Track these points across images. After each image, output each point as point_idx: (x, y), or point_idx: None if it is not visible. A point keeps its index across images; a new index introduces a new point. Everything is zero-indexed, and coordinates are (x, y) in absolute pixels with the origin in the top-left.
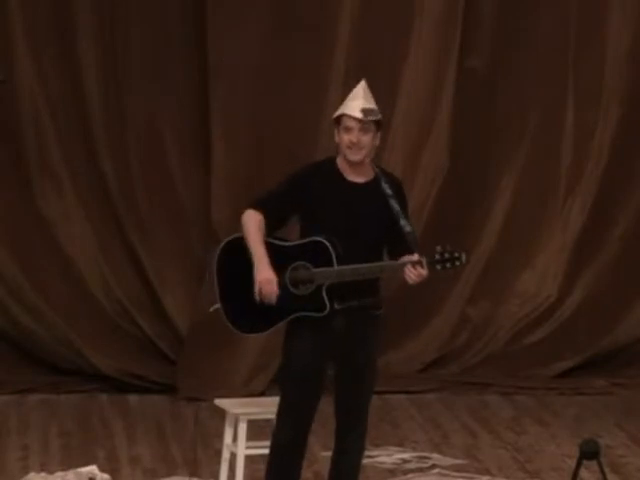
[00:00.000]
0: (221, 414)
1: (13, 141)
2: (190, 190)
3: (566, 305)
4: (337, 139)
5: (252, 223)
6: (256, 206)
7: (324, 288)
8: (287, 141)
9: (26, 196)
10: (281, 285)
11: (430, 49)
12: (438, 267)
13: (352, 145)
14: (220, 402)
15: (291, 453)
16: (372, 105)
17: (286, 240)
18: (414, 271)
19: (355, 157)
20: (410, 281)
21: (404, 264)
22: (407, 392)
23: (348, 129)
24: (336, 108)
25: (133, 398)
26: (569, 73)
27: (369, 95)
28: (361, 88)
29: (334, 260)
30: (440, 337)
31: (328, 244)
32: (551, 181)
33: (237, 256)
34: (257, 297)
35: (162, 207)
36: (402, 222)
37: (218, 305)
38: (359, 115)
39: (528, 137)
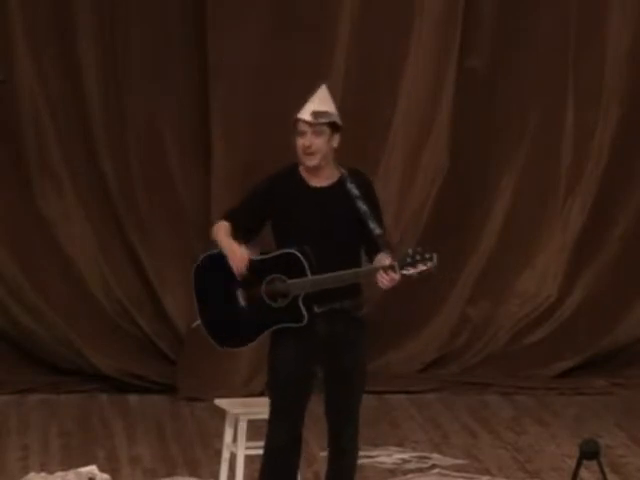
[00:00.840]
0: (221, 414)
1: (13, 141)
2: (190, 190)
3: (566, 305)
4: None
5: (221, 230)
6: (225, 218)
7: (300, 298)
8: (287, 141)
9: (26, 196)
10: (257, 297)
11: (430, 49)
12: (410, 270)
13: (305, 149)
14: (220, 402)
15: (285, 458)
16: (325, 108)
17: (260, 253)
18: (386, 276)
19: (310, 162)
20: (383, 286)
21: (376, 269)
22: (407, 392)
23: (301, 133)
24: (336, 108)
25: (133, 398)
26: (569, 73)
27: (325, 98)
28: (319, 91)
29: (307, 270)
30: (440, 337)
31: (300, 255)
32: (551, 181)
33: (214, 272)
34: (238, 276)
35: (162, 207)
36: (371, 225)
37: (199, 321)
38: (309, 118)
39: (528, 137)
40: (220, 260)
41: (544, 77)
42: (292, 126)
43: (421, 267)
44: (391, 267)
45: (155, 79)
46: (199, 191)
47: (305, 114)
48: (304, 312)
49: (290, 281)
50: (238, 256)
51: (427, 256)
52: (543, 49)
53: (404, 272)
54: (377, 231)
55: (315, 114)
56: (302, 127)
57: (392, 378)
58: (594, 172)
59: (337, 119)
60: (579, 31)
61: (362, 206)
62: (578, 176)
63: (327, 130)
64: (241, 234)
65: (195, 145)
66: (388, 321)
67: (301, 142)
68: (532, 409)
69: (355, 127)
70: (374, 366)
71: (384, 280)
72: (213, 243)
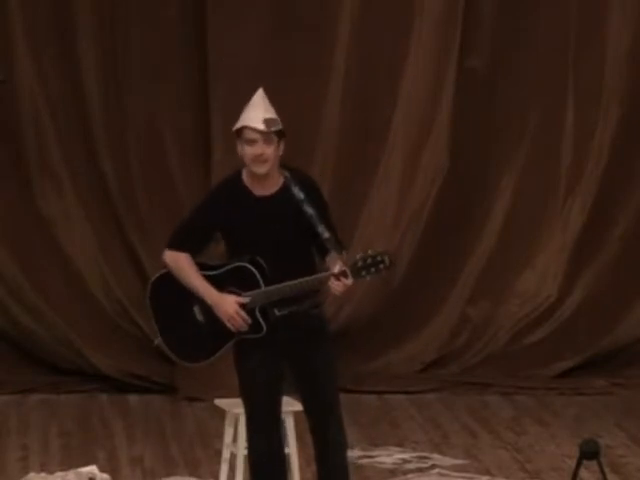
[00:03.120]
0: (221, 414)
1: (13, 141)
2: (190, 190)
3: (566, 305)
4: (240, 152)
5: (183, 264)
6: (176, 247)
7: (257, 309)
8: (286, 141)
9: (26, 196)
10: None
11: (430, 49)
12: (363, 273)
13: (256, 158)
14: (220, 402)
15: (270, 464)
16: (273, 115)
17: (211, 267)
18: (339, 283)
19: (261, 170)
20: (336, 293)
21: (328, 277)
22: (407, 392)
23: (251, 141)
24: (337, 108)
25: (133, 398)
26: (569, 73)
27: (268, 104)
28: (259, 97)
29: (260, 282)
30: (440, 337)
31: (252, 267)
32: (551, 181)
33: (169, 290)
34: (234, 331)
35: (162, 207)
36: (320, 229)
37: (160, 339)
38: (261, 127)
39: (528, 137)
40: (171, 278)
41: (544, 77)
42: (235, 134)
43: (372, 270)
44: (343, 273)
45: (155, 79)
46: (199, 191)
47: (256, 122)
48: (262, 323)
49: (244, 294)
50: (228, 314)
51: (379, 259)
52: (543, 49)
53: (356, 277)
54: (325, 235)
55: (267, 122)
56: (251, 135)
57: (392, 378)
58: (594, 172)
59: (282, 126)
60: (579, 31)
61: (308, 209)
62: (578, 176)
63: (275, 138)
64: (195, 256)
65: (195, 145)
66: (388, 321)
67: (251, 151)
68: (532, 409)
69: (355, 127)
70: (374, 366)
71: (336, 286)
72: (173, 275)
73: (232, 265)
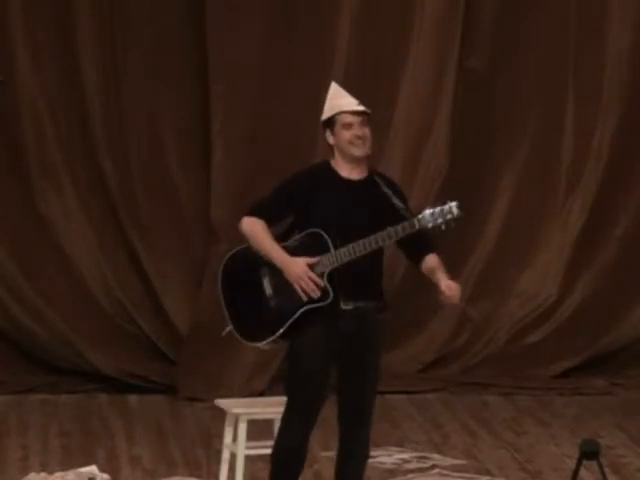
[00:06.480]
0: (221, 414)
1: (13, 141)
2: (190, 190)
3: (566, 305)
4: (332, 141)
5: (258, 228)
6: (255, 214)
7: (325, 276)
8: (287, 141)
9: (26, 196)
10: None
11: (430, 49)
12: (430, 225)
13: (357, 139)
14: (220, 402)
15: (296, 456)
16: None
17: (283, 240)
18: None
19: (360, 152)
20: (453, 301)
21: (397, 231)
22: (407, 392)
23: (349, 125)
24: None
25: (133, 398)
26: (569, 73)
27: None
28: (339, 88)
29: (330, 245)
30: (440, 337)
31: (323, 233)
32: (551, 181)
33: (239, 269)
34: (304, 297)
35: (162, 207)
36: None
37: (230, 327)
38: (360, 107)
39: (528, 137)
40: (243, 255)
41: (544, 77)
42: (324, 124)
43: (440, 221)
44: (412, 226)
45: (155, 79)
46: (199, 191)
47: (352, 105)
48: (329, 289)
49: (314, 259)
50: (297, 274)
51: (446, 211)
52: (543, 49)
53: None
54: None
55: (361, 104)
56: (349, 119)
57: (392, 378)
58: (594, 172)
59: None
60: (579, 31)
61: (398, 203)
62: (578, 176)
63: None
64: (271, 227)
65: (195, 145)
66: (389, 321)
67: (350, 133)
68: (532, 409)
69: None
70: None
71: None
72: (245, 239)
73: (302, 234)
